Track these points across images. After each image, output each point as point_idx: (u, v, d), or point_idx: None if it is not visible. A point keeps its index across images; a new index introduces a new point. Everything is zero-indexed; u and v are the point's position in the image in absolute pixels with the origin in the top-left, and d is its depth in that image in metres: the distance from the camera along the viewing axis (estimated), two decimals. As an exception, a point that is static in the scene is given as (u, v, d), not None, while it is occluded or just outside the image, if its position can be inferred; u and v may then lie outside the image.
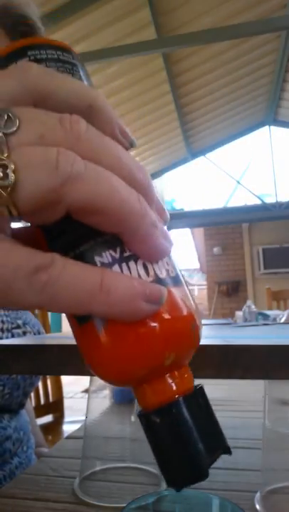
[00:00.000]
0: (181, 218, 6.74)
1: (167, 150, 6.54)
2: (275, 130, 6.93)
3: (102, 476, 0.47)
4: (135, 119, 5.25)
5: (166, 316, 0.20)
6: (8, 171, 0.16)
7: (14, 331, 0.63)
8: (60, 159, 0.17)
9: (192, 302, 0.22)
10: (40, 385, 1.63)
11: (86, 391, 0.77)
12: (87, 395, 0.52)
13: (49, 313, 1.75)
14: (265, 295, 2.67)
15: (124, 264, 0.20)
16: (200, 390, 0.21)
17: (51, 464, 0.54)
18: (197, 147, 6.81)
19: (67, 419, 1.67)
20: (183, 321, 0.20)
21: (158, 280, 0.20)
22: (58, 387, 1.67)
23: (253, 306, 1.58)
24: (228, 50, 4.78)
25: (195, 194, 7.12)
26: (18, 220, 0.18)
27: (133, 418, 0.51)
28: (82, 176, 0.17)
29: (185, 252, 9.82)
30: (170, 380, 0.21)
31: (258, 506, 0.40)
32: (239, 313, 1.66)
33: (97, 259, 0.19)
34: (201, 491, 0.29)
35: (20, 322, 0.65)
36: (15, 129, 0.17)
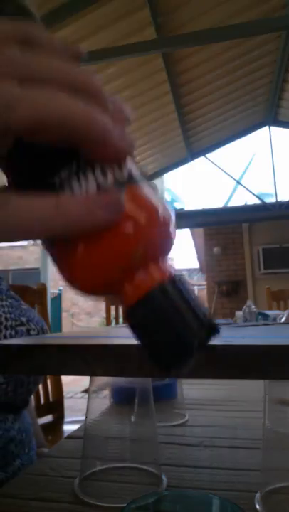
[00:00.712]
0: (181, 218, 6.74)
1: (167, 150, 6.54)
2: (275, 130, 6.93)
3: (102, 476, 0.47)
4: (135, 119, 5.25)
5: (128, 214, 0.21)
6: None
7: (18, 328, 0.63)
8: None
9: (155, 197, 0.22)
10: (40, 385, 1.63)
11: (86, 391, 0.77)
12: (87, 395, 0.52)
13: (49, 314, 1.75)
14: (265, 295, 2.67)
15: (81, 175, 0.20)
16: (179, 278, 0.22)
17: (51, 463, 0.54)
18: (197, 147, 6.81)
19: (67, 419, 1.66)
20: (145, 216, 0.21)
21: (117, 184, 0.21)
22: (58, 387, 1.67)
23: (253, 306, 1.58)
24: (228, 50, 4.78)
25: (195, 194, 7.12)
26: None
27: (133, 418, 0.51)
28: (20, 98, 0.18)
29: (185, 252, 9.81)
30: (146, 274, 0.21)
31: (258, 506, 0.40)
32: (239, 313, 1.66)
33: (54, 178, 0.20)
34: (201, 491, 0.29)
35: (24, 319, 0.65)
36: None
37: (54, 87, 0.19)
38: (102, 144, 0.20)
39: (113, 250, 0.21)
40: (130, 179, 0.21)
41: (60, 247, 0.21)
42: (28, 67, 0.19)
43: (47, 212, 0.19)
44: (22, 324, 0.64)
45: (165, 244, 0.22)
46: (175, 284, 0.22)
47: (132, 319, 0.22)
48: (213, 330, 0.22)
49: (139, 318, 0.21)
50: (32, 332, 0.64)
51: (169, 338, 0.21)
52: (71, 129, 0.19)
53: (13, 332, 0.62)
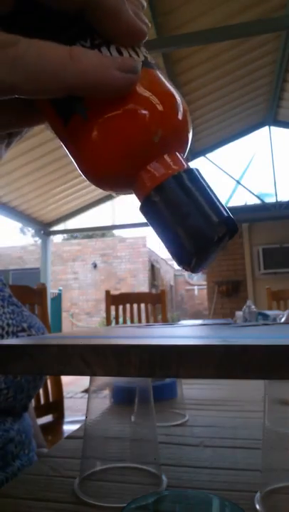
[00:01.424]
0: (181, 218, 6.71)
1: (167, 150, 6.53)
2: (275, 130, 6.93)
3: (102, 476, 0.47)
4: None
5: (146, 93, 0.20)
6: None
7: (19, 334, 0.63)
8: None
9: (172, 86, 0.21)
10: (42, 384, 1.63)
11: (86, 391, 0.77)
12: (87, 395, 0.52)
13: (49, 314, 1.75)
14: (265, 295, 2.67)
15: (96, 46, 0.20)
16: (196, 170, 0.21)
17: (51, 463, 0.54)
18: (197, 147, 6.81)
19: (67, 419, 1.67)
20: (164, 97, 0.20)
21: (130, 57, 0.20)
22: (58, 387, 1.67)
23: (253, 306, 1.58)
24: (228, 50, 4.78)
25: (195, 194, 7.12)
26: None
27: (133, 418, 0.51)
28: None
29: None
30: (163, 161, 0.21)
31: (258, 506, 0.40)
32: (239, 313, 1.66)
33: (67, 39, 0.19)
34: (201, 491, 0.29)
35: (25, 325, 0.65)
36: None
37: None
38: (114, 17, 0.19)
39: (132, 130, 0.20)
40: (146, 63, 0.21)
41: (75, 125, 0.20)
42: None
43: (60, 58, 0.18)
44: (23, 330, 0.64)
45: (182, 135, 0.21)
46: (193, 175, 0.21)
47: (149, 208, 0.21)
48: (232, 225, 0.21)
49: (156, 207, 0.20)
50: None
51: (188, 227, 0.20)
52: None
53: (14, 338, 0.62)
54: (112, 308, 2.42)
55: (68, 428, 1.56)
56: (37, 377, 0.66)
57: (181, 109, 0.21)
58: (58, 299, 9.60)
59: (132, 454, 0.48)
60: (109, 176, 0.21)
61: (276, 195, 6.69)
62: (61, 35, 0.19)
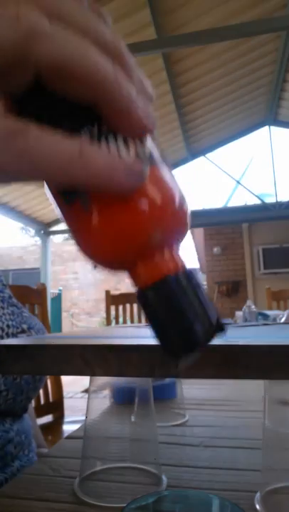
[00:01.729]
0: (181, 218, 6.71)
1: (167, 150, 6.54)
2: (275, 130, 6.93)
3: (102, 476, 0.47)
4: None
5: (149, 193, 0.20)
6: None
7: (19, 335, 0.63)
8: (21, 11, 0.16)
9: (176, 182, 0.22)
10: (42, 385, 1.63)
11: (86, 391, 0.77)
12: (87, 395, 0.52)
13: (49, 314, 1.75)
14: (265, 295, 2.67)
15: (103, 141, 0.19)
16: (193, 270, 0.22)
17: (51, 463, 0.54)
18: (197, 147, 6.81)
19: (67, 419, 1.67)
20: (166, 198, 0.21)
21: (138, 158, 0.20)
22: (58, 387, 1.67)
23: (253, 306, 1.58)
24: (228, 50, 4.78)
25: (195, 194, 7.12)
26: None
27: (133, 418, 0.51)
28: (47, 32, 0.17)
29: (185, 252, 9.80)
30: (161, 258, 0.21)
31: (258, 506, 0.40)
32: (239, 313, 1.66)
33: (76, 130, 0.19)
34: (201, 491, 0.29)
35: (25, 326, 0.65)
36: None
37: (85, 36, 0.17)
38: (125, 112, 0.18)
39: (133, 225, 0.20)
40: (151, 158, 0.21)
41: (75, 210, 0.21)
42: (61, 7, 0.17)
43: (68, 155, 0.17)
44: (23, 331, 0.64)
45: (182, 231, 0.22)
46: (189, 275, 0.22)
47: (144, 300, 0.22)
48: (220, 328, 0.22)
49: (153, 301, 0.21)
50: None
51: (181, 325, 0.21)
52: (96, 85, 0.17)
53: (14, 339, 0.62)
54: (112, 308, 2.42)
55: (68, 428, 1.56)
56: (36, 378, 0.66)
57: (181, 207, 0.21)
58: (58, 299, 9.60)
59: (132, 454, 0.48)
60: (103, 263, 0.22)
61: (276, 195, 6.69)
62: (70, 118, 0.19)
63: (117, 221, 0.20)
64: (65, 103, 0.19)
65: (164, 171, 0.21)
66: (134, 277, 0.22)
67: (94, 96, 0.18)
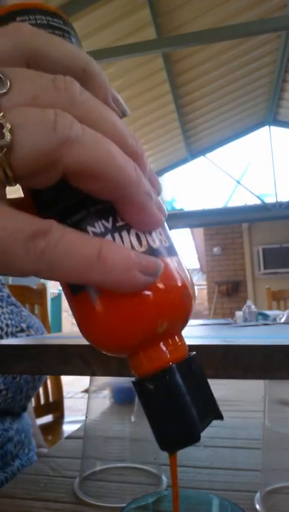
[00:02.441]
0: (181, 218, 6.73)
1: (167, 150, 6.54)
2: (275, 130, 6.93)
3: (102, 476, 0.47)
4: (135, 119, 5.25)
5: (160, 286, 0.20)
6: (4, 130, 0.16)
7: (18, 334, 0.63)
8: (58, 120, 0.17)
9: (185, 272, 0.22)
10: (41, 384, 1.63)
11: (86, 391, 0.77)
12: (87, 395, 0.52)
13: (49, 314, 1.76)
14: (265, 295, 2.67)
15: (116, 235, 0.20)
16: (193, 358, 0.22)
17: (51, 463, 0.54)
18: (197, 147, 6.81)
19: (67, 419, 1.67)
20: (176, 291, 0.21)
21: (151, 250, 0.20)
22: (58, 387, 1.67)
23: (253, 306, 1.58)
24: (228, 50, 4.78)
25: (195, 194, 7.12)
26: (14, 183, 0.18)
27: (133, 418, 0.51)
28: (79, 138, 0.17)
29: (185, 252, 9.82)
30: (164, 348, 0.21)
31: (258, 506, 0.40)
32: (239, 313, 1.66)
33: (89, 229, 0.20)
34: (201, 491, 0.29)
35: (24, 325, 0.65)
36: (5, 90, 0.17)
37: (111, 139, 0.18)
38: (143, 209, 0.19)
39: (142, 317, 0.20)
40: (163, 250, 0.21)
41: (83, 297, 0.21)
42: (90, 112, 0.18)
43: (87, 257, 0.18)
44: (22, 330, 0.64)
45: (186, 320, 0.22)
46: (189, 365, 0.21)
47: (141, 390, 0.21)
48: (217, 415, 0.22)
49: (150, 393, 0.21)
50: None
51: (177, 421, 0.21)
52: (120, 185, 0.18)
53: (13, 338, 0.62)
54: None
55: (68, 428, 1.56)
56: (36, 377, 0.66)
57: (188, 296, 0.21)
58: (58, 298, 9.61)
59: (132, 454, 0.48)
60: (107, 349, 0.22)
61: (276, 195, 6.69)
62: (87, 208, 0.20)
63: (124, 314, 0.20)
64: (82, 193, 0.19)
65: (173, 261, 0.21)
66: (134, 365, 0.22)
67: (115, 195, 0.19)
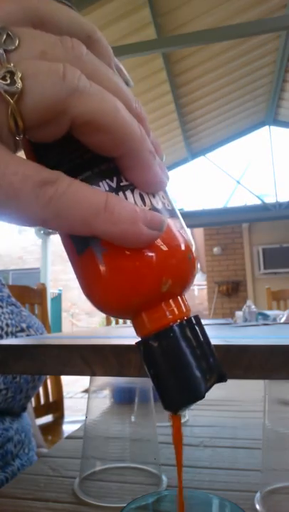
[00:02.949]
0: (181, 218, 6.71)
1: (167, 150, 6.53)
2: (275, 130, 6.93)
3: (102, 476, 0.47)
4: (135, 119, 5.24)
5: (164, 245, 0.21)
6: (15, 77, 0.17)
7: (18, 334, 0.63)
8: (67, 71, 0.17)
9: (188, 235, 0.22)
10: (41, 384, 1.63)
11: (86, 391, 0.77)
12: (87, 395, 0.52)
13: (49, 314, 1.76)
14: (265, 295, 2.67)
15: (120, 193, 0.20)
16: (196, 318, 0.22)
17: (51, 463, 0.54)
18: (197, 147, 6.81)
19: (67, 419, 1.67)
20: (179, 250, 0.21)
21: (154, 210, 0.21)
22: (58, 387, 1.67)
23: (253, 306, 1.58)
24: (228, 50, 4.78)
25: (195, 194, 7.12)
26: (23, 133, 0.18)
27: (133, 418, 0.51)
28: (87, 90, 0.18)
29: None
30: (167, 308, 0.21)
31: (258, 506, 0.40)
32: (239, 313, 1.66)
33: (94, 187, 0.20)
34: (201, 491, 0.29)
35: (24, 325, 0.65)
36: (15, 46, 0.17)
37: (117, 96, 0.19)
38: (146, 166, 0.20)
39: (146, 275, 0.20)
40: (167, 211, 0.22)
41: (87, 256, 0.21)
42: (99, 70, 0.19)
43: (94, 207, 0.18)
44: (22, 330, 0.64)
45: (190, 281, 0.22)
46: (192, 324, 0.22)
47: (145, 349, 0.22)
48: (221, 376, 0.22)
49: (154, 352, 0.21)
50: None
51: (181, 378, 0.21)
52: (124, 139, 0.19)
53: (13, 338, 0.62)
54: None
55: (68, 428, 1.56)
56: (36, 377, 0.66)
57: (190, 257, 0.22)
58: (58, 299, 9.60)
59: (132, 454, 0.48)
60: (112, 310, 0.22)
61: (276, 195, 6.69)
62: (92, 168, 0.20)
63: (129, 271, 0.20)
64: (87, 153, 0.20)
65: (176, 223, 0.22)
66: (138, 326, 0.22)
67: (120, 149, 0.19)
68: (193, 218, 6.79)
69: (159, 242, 0.20)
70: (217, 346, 0.36)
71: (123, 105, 0.19)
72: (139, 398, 0.51)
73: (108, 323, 2.38)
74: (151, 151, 0.20)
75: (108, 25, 3.72)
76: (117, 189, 0.20)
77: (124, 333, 0.62)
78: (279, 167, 6.77)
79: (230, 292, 7.14)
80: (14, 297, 0.71)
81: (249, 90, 5.87)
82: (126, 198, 0.20)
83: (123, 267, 0.20)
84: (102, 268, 0.20)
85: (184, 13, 3.98)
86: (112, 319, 2.41)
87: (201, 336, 0.22)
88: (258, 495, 0.42)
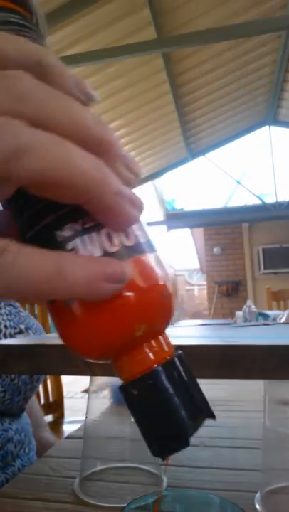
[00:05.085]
0: (181, 218, 6.73)
1: (167, 150, 6.54)
2: (275, 130, 6.93)
3: (102, 476, 0.47)
4: (135, 119, 5.24)
5: (135, 286, 0.19)
6: None
7: (17, 335, 0.63)
8: (3, 130, 0.15)
9: (165, 269, 0.21)
10: (40, 385, 1.63)
11: (86, 391, 0.77)
12: (87, 395, 0.52)
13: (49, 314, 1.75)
14: (265, 295, 2.67)
15: (86, 237, 0.19)
16: (178, 358, 0.21)
17: (51, 463, 0.54)
18: (197, 147, 6.81)
19: (67, 419, 1.67)
20: (152, 291, 0.20)
21: (124, 249, 0.19)
22: (58, 387, 1.67)
23: (253, 306, 1.58)
24: (228, 50, 4.78)
25: (195, 194, 7.12)
26: None
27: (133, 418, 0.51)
28: (32, 146, 0.16)
29: (185, 252, 9.82)
30: (145, 351, 0.20)
31: (258, 506, 0.40)
32: (239, 313, 1.66)
33: (58, 233, 0.19)
34: (201, 491, 0.29)
35: (22, 327, 0.65)
36: None
37: (68, 136, 0.17)
38: (112, 208, 0.18)
39: (117, 321, 0.19)
40: (138, 247, 0.20)
41: (57, 305, 0.20)
42: (43, 108, 0.17)
43: (46, 273, 0.17)
44: (21, 332, 0.64)
45: (168, 319, 0.21)
46: (174, 365, 0.20)
47: (126, 395, 0.20)
48: (210, 415, 0.21)
49: (134, 398, 0.20)
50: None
51: (163, 426, 0.20)
52: (82, 191, 0.17)
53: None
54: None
55: (68, 428, 1.56)
56: (34, 378, 0.66)
57: (168, 297, 0.20)
58: (58, 299, 9.61)
59: (132, 454, 0.48)
60: (88, 356, 0.21)
61: (276, 195, 6.69)
62: (55, 211, 0.19)
63: (98, 320, 0.19)
64: (48, 200, 0.18)
65: (149, 258, 0.20)
66: (118, 370, 0.21)
67: (81, 199, 0.18)
68: (193, 218, 6.79)
69: (128, 285, 0.19)
70: (217, 346, 0.36)
71: (75, 147, 0.17)
72: (139, 398, 0.51)
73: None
74: (115, 191, 0.18)
75: (108, 25, 3.72)
76: (82, 232, 0.19)
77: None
78: (279, 167, 6.78)
79: (230, 292, 7.14)
80: (14, 297, 0.71)
81: (249, 90, 5.88)
82: (92, 241, 0.19)
83: (91, 316, 0.19)
84: (71, 317, 0.19)
85: (184, 13, 3.98)
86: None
87: (184, 378, 0.21)
88: (258, 495, 0.42)
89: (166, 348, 0.21)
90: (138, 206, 0.19)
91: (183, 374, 0.21)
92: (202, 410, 0.21)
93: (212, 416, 0.21)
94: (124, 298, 0.19)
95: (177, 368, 0.21)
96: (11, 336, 0.62)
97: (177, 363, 0.21)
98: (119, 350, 0.20)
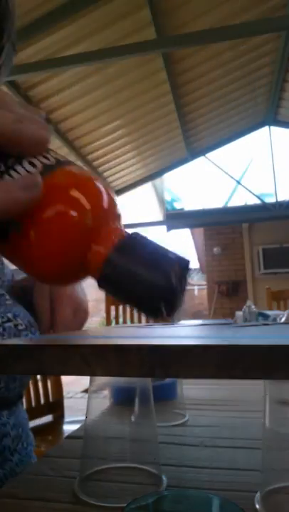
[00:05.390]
0: (181, 218, 6.73)
1: (167, 150, 6.53)
2: (275, 130, 6.93)
3: (102, 476, 0.47)
4: (135, 119, 5.24)
5: (65, 189, 0.22)
6: None
7: (5, 324, 0.62)
8: None
9: (87, 174, 0.24)
10: (40, 385, 1.63)
11: (86, 391, 0.77)
12: (87, 395, 0.52)
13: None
14: (265, 295, 2.67)
15: (12, 171, 0.22)
16: (134, 235, 0.23)
17: (51, 464, 0.54)
18: (197, 147, 6.81)
19: (67, 419, 1.67)
20: (81, 187, 0.23)
21: (46, 167, 0.23)
22: (58, 387, 1.67)
23: (253, 306, 1.58)
24: (228, 50, 4.78)
25: (195, 194, 7.12)
26: None
27: (133, 418, 0.51)
28: None
29: (185, 252, 9.81)
30: (103, 237, 0.23)
31: (258, 506, 0.40)
32: (239, 313, 1.66)
33: None
34: (201, 491, 0.29)
35: (10, 315, 0.64)
36: None
37: None
38: (15, 138, 0.21)
39: (63, 226, 0.22)
40: (59, 163, 0.23)
41: (15, 240, 0.22)
42: None
43: None
44: (9, 320, 0.63)
45: (110, 208, 0.23)
46: (130, 240, 0.23)
47: (103, 287, 0.23)
48: (185, 265, 0.23)
49: (108, 283, 0.22)
50: (20, 327, 0.63)
51: (144, 287, 0.22)
52: None
53: (1, 329, 0.61)
54: (112, 308, 2.42)
55: (68, 428, 1.56)
56: None
57: (100, 189, 0.23)
58: (58, 299, 9.61)
59: (132, 454, 0.48)
60: (60, 267, 0.23)
61: (276, 195, 6.69)
62: None
63: (50, 226, 0.22)
64: None
65: (74, 168, 0.24)
66: (90, 271, 0.23)
67: None
68: (193, 218, 6.79)
69: (60, 189, 0.22)
70: (217, 346, 0.36)
71: None
72: (139, 398, 0.51)
73: (108, 323, 2.38)
74: (14, 121, 0.21)
75: (108, 25, 3.72)
76: (7, 169, 0.22)
77: (124, 333, 0.62)
78: (279, 167, 6.79)
79: (231, 292, 7.14)
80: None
81: (249, 90, 5.87)
82: (18, 172, 0.22)
83: (41, 225, 0.22)
84: (28, 237, 0.22)
85: (184, 13, 3.98)
86: (112, 319, 2.41)
87: (143, 246, 0.23)
88: (258, 495, 0.41)
89: (117, 232, 0.23)
90: (45, 127, 0.23)
91: (142, 244, 0.23)
92: (175, 262, 0.23)
93: (186, 262, 0.23)
94: (61, 199, 0.22)
95: (133, 242, 0.23)
96: (0, 325, 0.61)
97: (133, 238, 0.23)
98: (81, 250, 0.22)
